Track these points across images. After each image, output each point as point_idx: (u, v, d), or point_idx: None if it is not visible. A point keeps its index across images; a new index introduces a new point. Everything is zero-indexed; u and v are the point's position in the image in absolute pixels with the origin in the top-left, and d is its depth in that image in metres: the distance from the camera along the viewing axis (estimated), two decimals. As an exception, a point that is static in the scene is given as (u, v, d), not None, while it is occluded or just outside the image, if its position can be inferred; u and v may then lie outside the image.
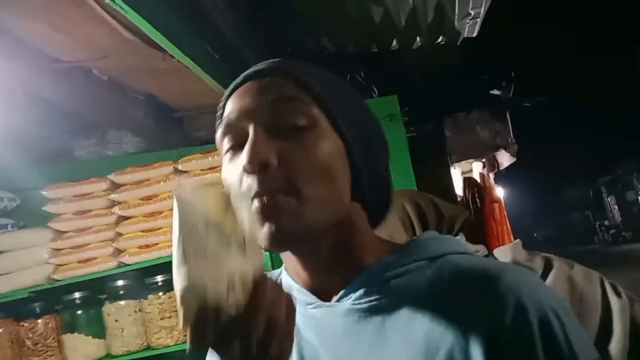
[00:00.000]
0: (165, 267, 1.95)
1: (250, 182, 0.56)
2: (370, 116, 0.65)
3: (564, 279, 0.94)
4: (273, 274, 0.75)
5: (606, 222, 27.73)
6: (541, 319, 0.52)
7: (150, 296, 1.94)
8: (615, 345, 0.90)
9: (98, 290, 2.07)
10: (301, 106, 0.59)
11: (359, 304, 0.60)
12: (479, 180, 4.64)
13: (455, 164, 4.75)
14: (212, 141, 2.07)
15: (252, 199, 0.56)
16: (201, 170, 1.93)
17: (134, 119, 2.16)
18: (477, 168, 5.10)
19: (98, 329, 2.02)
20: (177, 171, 1.95)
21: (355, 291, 0.61)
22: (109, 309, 1.97)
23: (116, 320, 1.95)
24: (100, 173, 2.04)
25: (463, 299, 0.55)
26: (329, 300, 0.63)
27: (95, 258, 1.97)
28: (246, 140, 0.57)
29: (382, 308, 0.59)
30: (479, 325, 0.53)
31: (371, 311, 0.59)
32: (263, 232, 0.56)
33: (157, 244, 1.93)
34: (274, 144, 0.56)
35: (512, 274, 0.56)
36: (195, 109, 2.12)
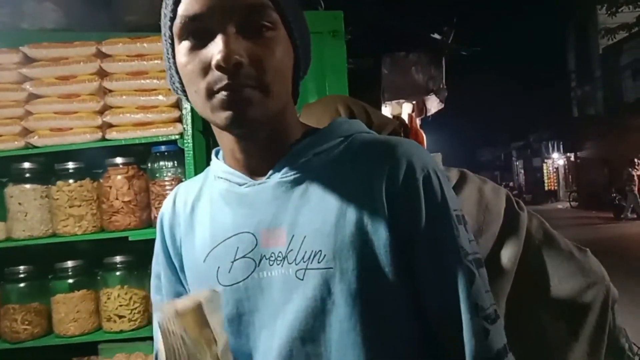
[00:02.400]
0: (78, 153, 1.84)
1: (219, 76, 0.64)
2: (307, 25, 0.75)
3: (475, 189, 1.04)
4: (198, 176, 0.86)
5: (511, 184, 29.86)
6: (425, 176, 0.69)
7: (59, 182, 1.84)
8: (510, 249, 1.00)
9: (1, 171, 1.93)
10: (267, 11, 0.66)
11: (286, 177, 0.72)
12: (406, 121, 4.75)
13: (386, 102, 4.81)
14: (142, 28, 1.94)
15: (220, 90, 0.64)
16: (127, 56, 1.80)
17: (55, -8, 1.95)
18: (407, 110, 5.21)
19: (-1, 212, 1.91)
20: (99, 53, 1.81)
21: (282, 168, 0.73)
22: (12, 190, 1.86)
23: (20, 204, 1.84)
24: (12, 46, 1.86)
25: (367, 164, 0.70)
26: (257, 180, 0.74)
27: (0, 135, 1.83)
28: (210, 35, 0.65)
29: (305, 179, 0.72)
30: (379, 183, 0.68)
31: (296, 182, 0.72)
32: (226, 115, 0.65)
33: (71, 128, 1.81)
34: (244, 44, 0.65)
35: (406, 144, 0.71)
36: (128, -10, 1.95)
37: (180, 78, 0.71)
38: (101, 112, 1.83)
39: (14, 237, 1.85)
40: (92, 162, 1.91)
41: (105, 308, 1.87)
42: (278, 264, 0.70)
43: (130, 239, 1.82)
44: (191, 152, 1.82)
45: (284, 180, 0.72)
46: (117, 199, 1.84)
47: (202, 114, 0.69)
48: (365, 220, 0.68)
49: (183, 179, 1.87)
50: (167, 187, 1.87)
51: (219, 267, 0.74)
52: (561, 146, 24.75)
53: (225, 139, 0.73)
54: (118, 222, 1.84)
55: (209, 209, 0.79)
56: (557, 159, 25.91)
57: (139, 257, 1.93)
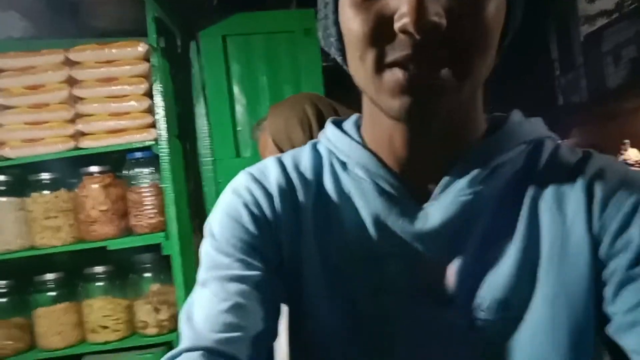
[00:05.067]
0: (51, 164, 1.81)
1: (400, 42, 0.44)
2: None
3: None
4: (302, 152, 0.62)
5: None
6: None
7: (33, 194, 1.81)
8: None
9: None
10: None
11: (463, 196, 0.52)
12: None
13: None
14: (111, 33, 1.91)
15: (396, 64, 0.45)
16: (96, 62, 1.77)
17: (21, 0, 1.92)
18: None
19: (-26, 227, 1.87)
20: (68, 61, 1.78)
21: (457, 182, 0.52)
22: (-14, 205, 1.82)
23: (-6, 218, 1.81)
24: (-21, 57, 1.82)
25: (573, 197, 0.52)
26: (416, 186, 0.54)
27: (-30, 149, 1.79)
28: None
29: (487, 202, 0.53)
30: (603, 216, 0.51)
31: (474, 205, 0.52)
32: (399, 104, 0.46)
33: (43, 138, 1.78)
34: None
35: (620, 164, 0.55)
36: (95, -4, 1.92)
37: (339, 32, 0.51)
38: (73, 121, 1.80)
39: (-10, 252, 1.82)
40: (67, 171, 1.88)
41: (88, 319, 1.84)
42: (440, 305, 0.54)
43: (108, 248, 1.79)
44: (167, 158, 1.79)
45: (460, 199, 0.52)
46: (93, 208, 1.81)
47: (363, 88, 0.50)
48: (575, 275, 0.51)
49: (161, 185, 1.84)
50: (145, 194, 1.84)
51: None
52: (548, 134, 24.95)
53: (385, 117, 0.51)
54: (96, 232, 1.81)
55: (338, 205, 0.57)
56: (544, 148, 26.12)
57: (120, 266, 1.90)
